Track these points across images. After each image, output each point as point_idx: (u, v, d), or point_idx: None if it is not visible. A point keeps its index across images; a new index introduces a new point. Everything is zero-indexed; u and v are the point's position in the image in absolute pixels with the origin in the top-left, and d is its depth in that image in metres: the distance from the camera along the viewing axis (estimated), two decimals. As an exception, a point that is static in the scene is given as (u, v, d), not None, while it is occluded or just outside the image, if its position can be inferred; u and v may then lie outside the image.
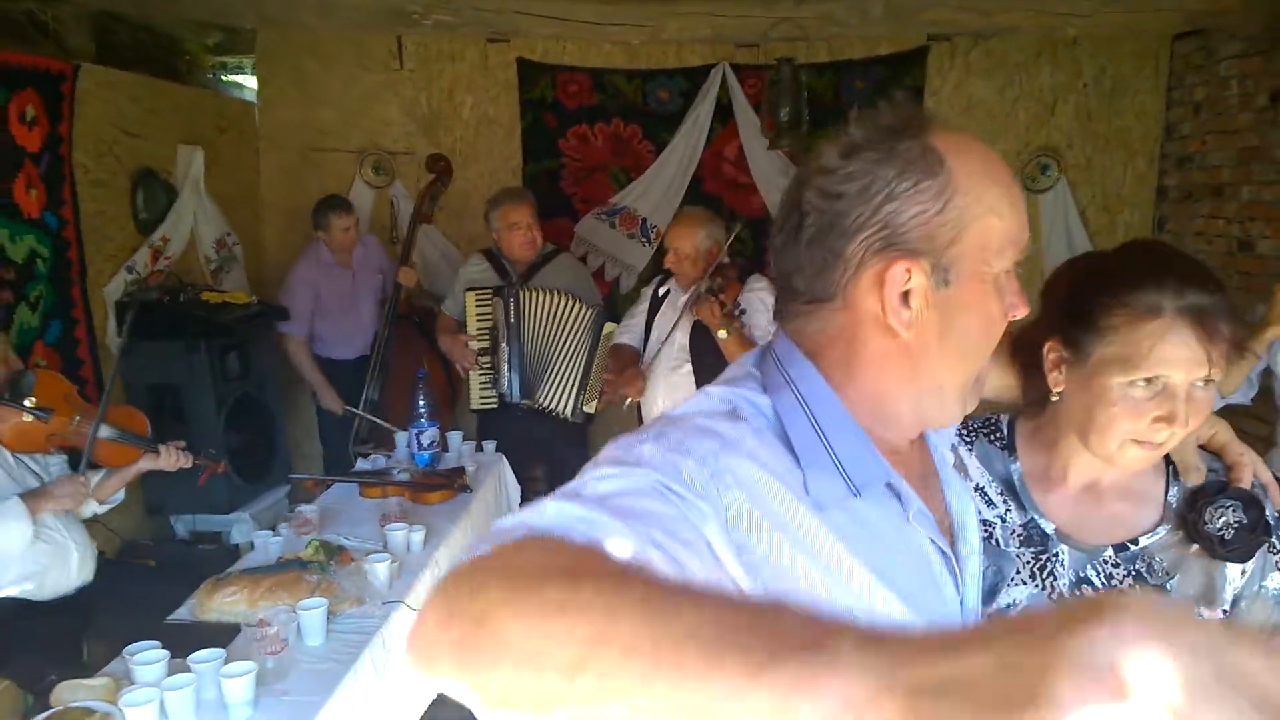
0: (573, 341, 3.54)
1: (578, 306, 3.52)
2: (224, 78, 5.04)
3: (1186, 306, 0.98)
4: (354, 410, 3.87)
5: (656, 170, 4.62)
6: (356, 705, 1.88)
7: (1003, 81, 4.46)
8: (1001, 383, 1.16)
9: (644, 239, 4.70)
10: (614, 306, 4.42)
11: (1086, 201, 4.54)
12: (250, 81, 4.97)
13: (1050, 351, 1.09)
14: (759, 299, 2.99)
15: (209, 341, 3.60)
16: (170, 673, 1.75)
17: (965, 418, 0.84)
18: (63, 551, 2.49)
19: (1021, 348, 1.14)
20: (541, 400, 3.59)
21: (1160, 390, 1.00)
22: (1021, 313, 0.80)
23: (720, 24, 3.37)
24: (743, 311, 2.90)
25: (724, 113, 4.52)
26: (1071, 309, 1.06)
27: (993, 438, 1.18)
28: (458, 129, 4.65)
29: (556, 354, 3.56)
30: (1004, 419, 1.20)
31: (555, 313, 3.54)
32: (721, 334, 2.85)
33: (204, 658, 1.77)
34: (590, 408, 3.60)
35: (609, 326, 3.53)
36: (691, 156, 4.58)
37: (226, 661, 1.76)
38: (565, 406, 3.57)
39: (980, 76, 4.46)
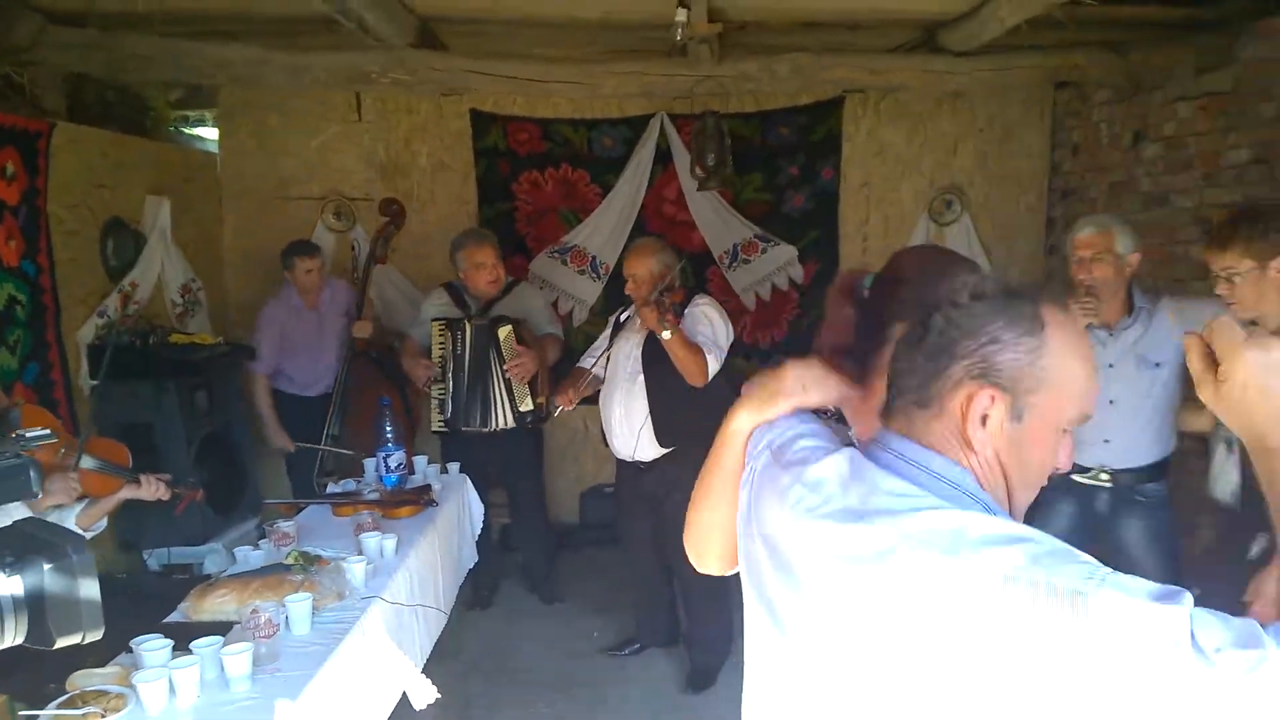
0: (490, 361, 3.84)
1: (487, 328, 3.83)
2: (186, 130, 5.29)
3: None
4: (306, 445, 4.07)
5: (603, 211, 4.98)
6: (341, 681, 2.13)
7: (909, 128, 4.94)
8: None
9: (594, 274, 5.04)
10: (568, 338, 4.73)
11: (986, 232, 5.01)
12: (211, 134, 5.24)
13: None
14: (701, 312, 3.33)
15: (178, 381, 3.80)
16: (173, 661, 1.97)
17: None
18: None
19: (836, 352, 1.37)
20: (491, 424, 3.88)
21: None
22: (1065, 467, 0.98)
23: (651, 81, 3.76)
24: (680, 314, 3.22)
25: (664, 157, 4.92)
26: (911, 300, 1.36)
27: None
28: (415, 175, 4.97)
29: (484, 377, 3.86)
30: None
31: (481, 341, 3.85)
32: (665, 334, 3.12)
33: (205, 643, 2.01)
34: (525, 405, 3.89)
35: (503, 330, 3.83)
36: (635, 198, 4.95)
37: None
38: (505, 419, 3.87)
39: (889, 124, 4.93)
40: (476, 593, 4.20)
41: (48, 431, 1.10)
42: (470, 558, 3.57)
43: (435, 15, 3.66)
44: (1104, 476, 2.78)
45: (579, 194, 5.00)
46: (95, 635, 0.82)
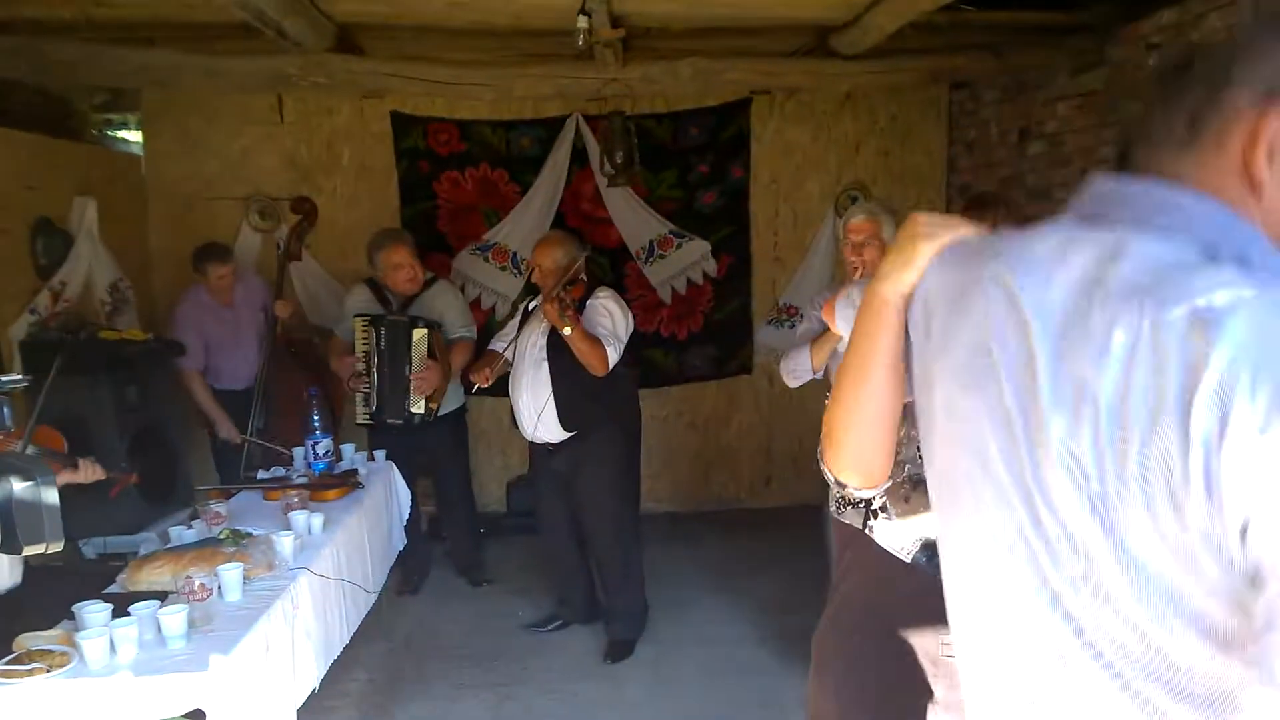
0: (403, 356, 4.00)
1: (408, 325, 3.99)
2: (110, 134, 5.33)
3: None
4: (249, 438, 4.18)
5: (523, 209, 5.17)
6: (271, 642, 2.30)
7: (814, 128, 5.24)
8: None
9: (515, 270, 5.23)
10: (490, 331, 4.90)
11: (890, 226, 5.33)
12: (135, 136, 5.29)
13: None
14: (602, 305, 3.54)
15: (110, 376, 3.88)
16: (112, 627, 2.12)
17: None
18: (-9, 555, 2.79)
19: None
20: (402, 415, 4.04)
21: None
22: None
23: (561, 84, 3.98)
24: (580, 308, 3.43)
25: (580, 156, 5.12)
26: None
27: None
28: (337, 176, 5.10)
29: (399, 372, 4.01)
30: None
31: (399, 336, 4.01)
32: (566, 330, 3.32)
33: (143, 605, 2.17)
34: (418, 408, 4.04)
35: (417, 333, 3.98)
36: (553, 196, 5.15)
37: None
38: (399, 414, 4.02)
39: (795, 124, 5.23)
40: (406, 579, 4.36)
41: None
42: (399, 541, 3.73)
43: (352, 21, 3.82)
44: None
45: (499, 192, 5.19)
46: (57, 546, 1.00)
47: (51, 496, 0.96)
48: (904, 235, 1.06)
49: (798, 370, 3.00)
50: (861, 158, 5.31)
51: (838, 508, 2.10)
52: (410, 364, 3.98)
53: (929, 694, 1.64)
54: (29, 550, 0.99)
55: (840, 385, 1.11)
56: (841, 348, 1.25)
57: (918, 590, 1.48)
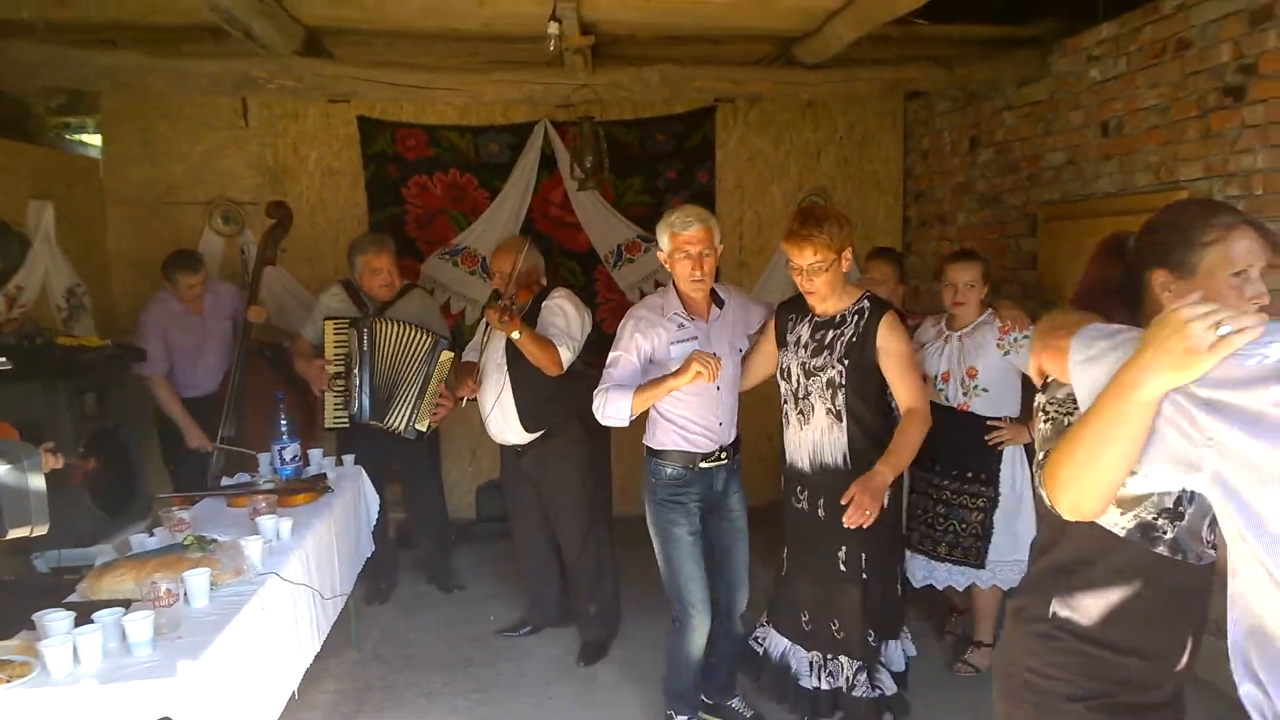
0: (414, 368, 3.94)
1: (421, 336, 3.93)
2: (68, 137, 5.25)
3: (1246, 220, 1.41)
4: (217, 445, 4.08)
5: (492, 214, 5.17)
6: (241, 648, 2.27)
7: (776, 136, 5.32)
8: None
9: (484, 275, 5.22)
10: (460, 336, 4.89)
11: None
12: (93, 139, 5.21)
13: (1156, 279, 1.42)
14: (556, 305, 3.54)
15: (67, 382, 3.81)
16: (74, 639, 2.07)
17: None
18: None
19: (1106, 294, 1.53)
20: (388, 421, 3.99)
21: (1245, 279, 1.38)
22: None
23: (530, 89, 4.00)
24: (525, 310, 3.44)
25: (549, 162, 5.15)
26: (1172, 242, 1.42)
27: None
28: (303, 180, 5.07)
29: (401, 379, 3.96)
30: None
31: (402, 342, 3.95)
32: (514, 335, 3.32)
33: (107, 612, 2.13)
34: (423, 426, 4.00)
35: (445, 355, 3.92)
36: (522, 201, 5.17)
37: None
38: (402, 424, 3.96)
39: (758, 132, 5.30)
40: (374, 587, 4.33)
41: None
42: (367, 546, 3.70)
43: (321, 25, 3.81)
44: (723, 456, 2.98)
45: (468, 198, 5.19)
46: (42, 529, 0.99)
47: (38, 479, 0.96)
48: (1170, 334, 1.12)
49: (614, 416, 2.83)
50: (822, 164, 5.40)
51: None
52: (429, 381, 3.92)
53: None
54: (14, 533, 0.99)
55: (1075, 448, 1.23)
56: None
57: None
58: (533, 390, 3.53)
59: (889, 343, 2.73)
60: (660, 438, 2.95)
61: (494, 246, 5.06)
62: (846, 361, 2.74)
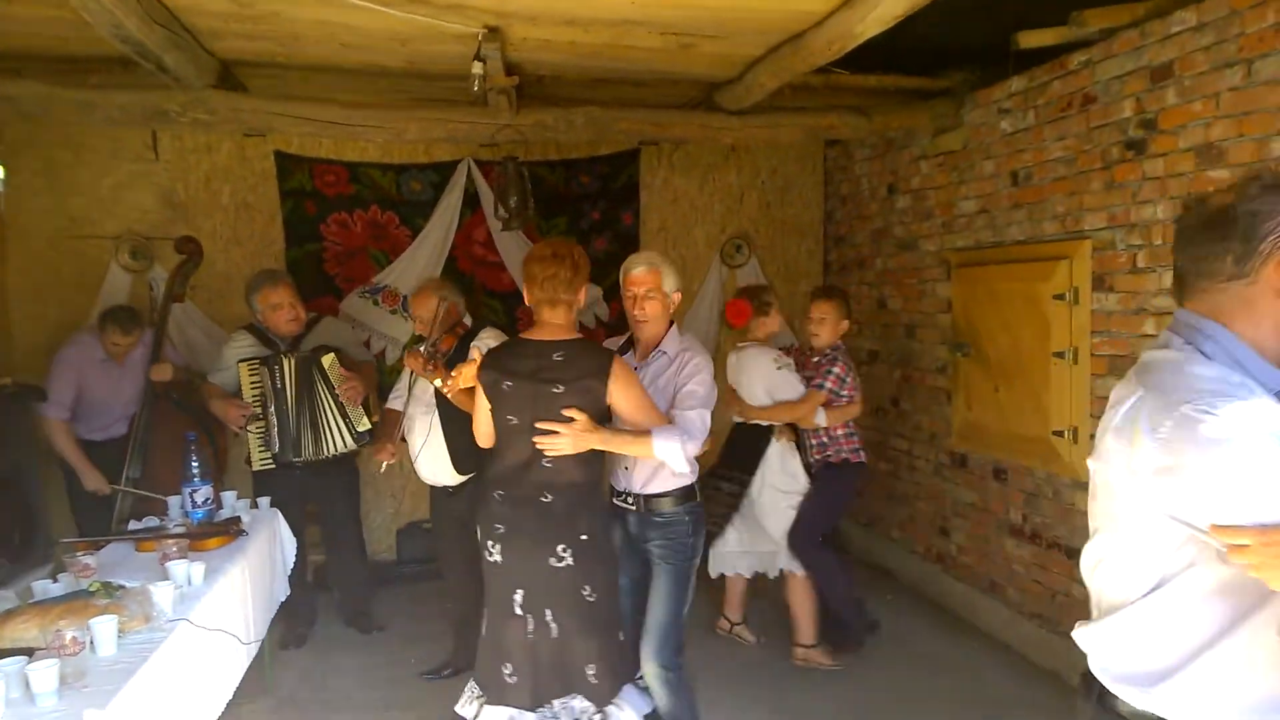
0: (317, 389, 3.92)
1: (309, 359, 3.92)
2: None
3: None
4: (120, 488, 3.92)
5: (413, 252, 5.13)
6: (150, 697, 2.16)
7: (700, 178, 5.45)
8: None
9: (405, 314, 5.16)
10: (382, 377, 4.83)
11: (773, 274, 5.57)
12: (-8, 171, 4.97)
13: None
14: (485, 345, 3.51)
15: (-41, 423, 3.61)
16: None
17: None
18: None
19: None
20: (324, 451, 3.93)
21: None
22: None
23: (454, 128, 4.01)
24: (445, 358, 3.35)
25: (472, 201, 5.15)
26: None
27: None
28: (217, 215, 4.94)
29: (313, 406, 3.92)
30: None
31: (305, 372, 3.92)
32: (435, 384, 3.21)
33: (8, 662, 2.01)
34: (363, 425, 3.99)
35: (327, 358, 3.94)
36: (445, 239, 5.14)
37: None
38: (344, 441, 3.94)
39: (682, 174, 5.42)
40: (291, 630, 4.18)
41: None
42: (282, 590, 3.58)
43: (236, 58, 3.75)
44: (629, 501, 2.94)
45: (389, 236, 5.14)
46: None
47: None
48: None
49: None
50: (745, 208, 5.54)
51: None
52: (331, 390, 3.93)
53: None
54: None
55: None
56: None
57: None
58: (465, 432, 3.47)
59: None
60: None
61: (416, 285, 5.08)
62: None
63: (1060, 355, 3.66)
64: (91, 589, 2.52)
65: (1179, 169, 3.11)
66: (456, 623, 3.97)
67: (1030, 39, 3.54)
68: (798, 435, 4.03)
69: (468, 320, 3.71)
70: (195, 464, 3.28)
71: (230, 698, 2.76)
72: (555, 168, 5.22)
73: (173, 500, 3.46)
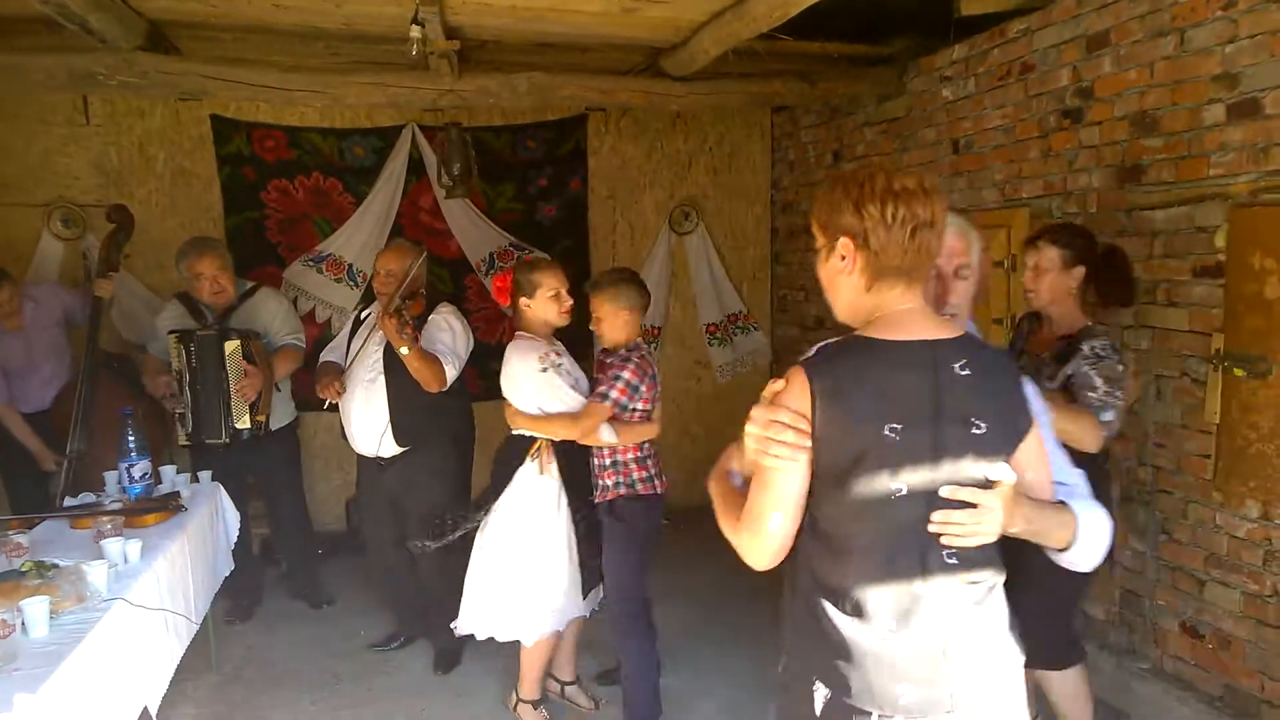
0: (214, 372, 3.74)
1: (218, 338, 3.74)
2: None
3: None
4: (67, 456, 3.78)
5: (358, 220, 5.04)
6: (83, 680, 2.13)
7: (648, 145, 5.42)
8: None
9: (351, 282, 5.09)
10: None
11: (721, 240, 5.58)
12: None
13: None
14: (443, 320, 3.49)
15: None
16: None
17: None
18: None
19: None
20: (223, 434, 3.80)
21: None
22: None
23: (395, 93, 3.91)
24: (419, 325, 3.35)
25: (417, 167, 5.06)
26: None
27: None
28: (151, 182, 4.80)
29: (214, 388, 3.76)
30: None
31: (210, 351, 3.75)
32: (403, 350, 3.22)
33: (-69, 648, 1.97)
34: (243, 423, 3.79)
35: (229, 345, 3.73)
36: (390, 206, 5.06)
37: (-47, 653, 1.96)
38: (222, 433, 3.79)
39: (629, 140, 5.38)
40: (236, 604, 4.14)
41: None
42: (226, 565, 3.54)
43: (165, 19, 3.62)
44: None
45: (332, 203, 5.04)
46: None
47: None
48: None
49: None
50: (693, 174, 5.52)
51: None
52: (228, 377, 3.75)
53: None
54: None
55: None
56: None
57: None
58: (409, 403, 3.44)
59: None
60: None
61: (361, 253, 5.00)
62: None
63: (998, 322, 3.73)
64: (23, 569, 2.48)
65: (1114, 137, 3.16)
66: (393, 599, 3.96)
67: (972, 5, 3.55)
68: (566, 463, 3.08)
69: (423, 290, 3.63)
70: (131, 438, 3.22)
71: (170, 677, 2.74)
72: (501, 133, 5.14)
73: (110, 474, 3.38)
